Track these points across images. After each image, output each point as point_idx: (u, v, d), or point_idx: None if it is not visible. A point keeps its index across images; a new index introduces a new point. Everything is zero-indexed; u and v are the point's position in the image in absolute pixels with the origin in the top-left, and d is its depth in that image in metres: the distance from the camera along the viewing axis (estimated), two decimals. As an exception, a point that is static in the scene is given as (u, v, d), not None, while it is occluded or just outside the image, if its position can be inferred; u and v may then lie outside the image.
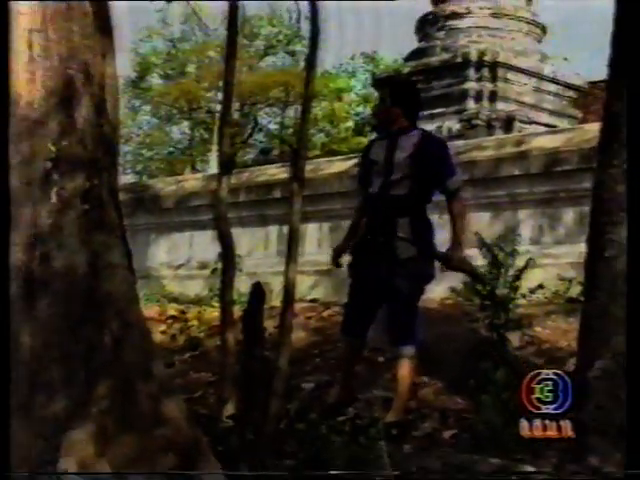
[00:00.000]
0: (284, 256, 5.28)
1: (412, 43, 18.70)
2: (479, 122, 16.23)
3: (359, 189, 7.37)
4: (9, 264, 3.75)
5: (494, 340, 8.19)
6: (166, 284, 14.32)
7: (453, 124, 16.38)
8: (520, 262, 9.01)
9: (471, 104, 16.55)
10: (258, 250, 13.20)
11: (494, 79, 16.66)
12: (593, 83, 17.16)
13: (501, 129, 15.99)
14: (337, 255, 7.30)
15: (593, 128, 8.51)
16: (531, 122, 16.37)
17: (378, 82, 8.69)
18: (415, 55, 18.03)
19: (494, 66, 16.61)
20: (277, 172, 13.89)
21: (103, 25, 4.11)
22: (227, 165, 5.64)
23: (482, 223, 11.05)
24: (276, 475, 3.86)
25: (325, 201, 12.15)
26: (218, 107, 28.35)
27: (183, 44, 36.25)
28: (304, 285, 8.39)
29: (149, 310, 10.01)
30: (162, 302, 12.56)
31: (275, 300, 5.24)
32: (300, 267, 5.21)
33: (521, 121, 16.34)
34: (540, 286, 9.63)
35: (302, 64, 27.57)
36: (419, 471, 5.53)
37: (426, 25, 18.25)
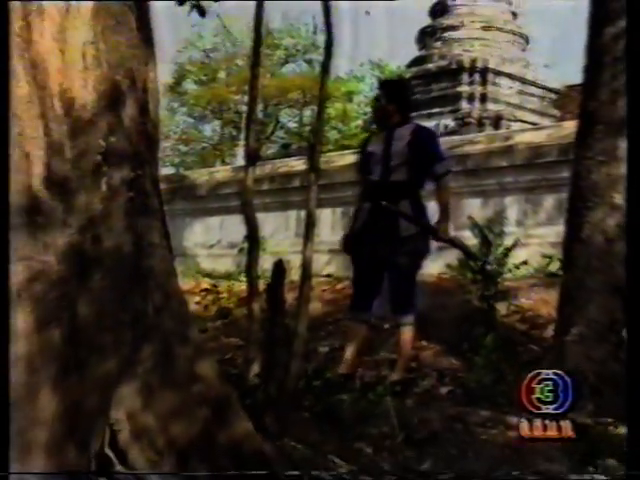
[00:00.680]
0: (302, 237, 5.27)
1: (413, 52, 18.69)
2: (471, 120, 16.22)
3: (360, 178, 7.37)
4: (9, 265, 3.74)
5: (484, 309, 8.22)
6: (200, 261, 14.34)
7: (449, 122, 16.37)
8: (507, 242, 9.05)
9: (464, 104, 16.55)
10: (279, 232, 13.20)
11: (484, 83, 16.65)
12: (570, 86, 17.08)
13: (490, 126, 15.98)
14: (347, 242, 7.26)
15: (570, 125, 8.50)
16: (516, 120, 16.34)
17: (379, 84, 8.66)
18: (415, 62, 18.03)
19: (484, 72, 16.62)
20: (296, 164, 13.88)
21: (146, 38, 4.11)
22: (252, 158, 5.64)
23: (474, 208, 11.05)
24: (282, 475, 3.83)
25: (338, 189, 12.12)
26: (244, 108, 28.25)
27: (215, 54, 36.16)
28: (319, 262, 8.39)
29: (185, 284, 10.02)
30: (196, 277, 12.58)
31: (294, 275, 5.23)
32: (316, 247, 5.20)
33: (508, 119, 16.33)
34: (524, 262, 9.63)
35: (317, 70, 27.43)
36: (421, 423, 5.53)
37: (425, 36, 18.27)
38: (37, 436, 3.68)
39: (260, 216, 5.54)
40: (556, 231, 8.92)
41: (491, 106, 16.47)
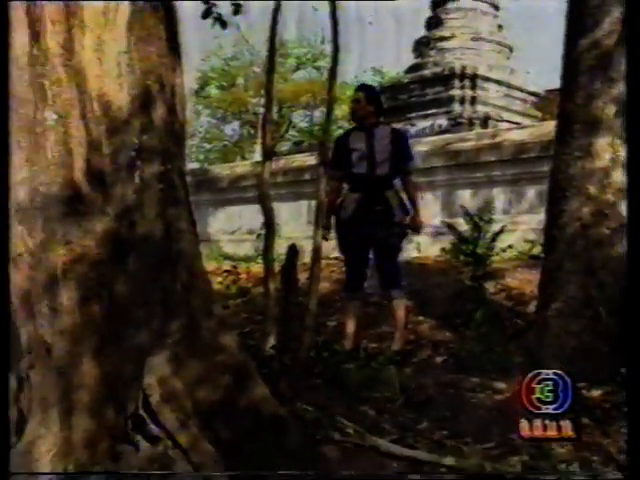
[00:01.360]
0: (313, 224, 5.29)
1: (410, 59, 18.66)
2: (463, 120, 16.19)
3: (335, 172, 6.98)
4: (8, 263, 3.76)
5: (475, 288, 8.22)
6: (222, 246, 14.34)
7: (443, 122, 16.33)
8: (495, 228, 9.03)
9: (456, 106, 16.50)
10: (293, 220, 13.19)
11: (474, 87, 16.60)
12: (549, 90, 17.02)
13: (479, 126, 15.93)
14: (327, 231, 7.11)
15: (550, 125, 8.48)
16: (503, 120, 16.29)
17: (358, 87, 8.58)
18: (412, 69, 17.99)
19: (474, 77, 16.58)
20: (307, 159, 13.87)
21: (174, 48, 4.12)
22: (268, 154, 5.65)
23: (465, 198, 11.08)
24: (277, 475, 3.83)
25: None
26: (261, 110, 28.27)
27: (234, 62, 36.09)
28: (328, 246, 8.39)
29: (209, 265, 10.02)
30: (219, 260, 12.59)
31: (306, 258, 5.24)
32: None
33: (495, 119, 16.27)
34: (510, 246, 9.66)
35: (325, 76, 27.38)
36: (418, 389, 5.54)
37: (421, 46, 18.22)
38: (80, 399, 3.71)
39: (275, 205, 5.55)
40: (538, 219, 8.91)
41: (480, 108, 16.43)
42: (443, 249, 9.52)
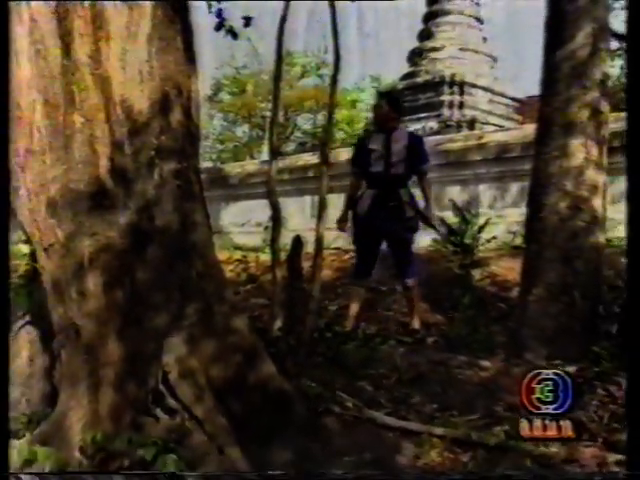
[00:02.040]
0: (315, 217, 5.28)
1: (404, 68, 18.65)
2: (451, 123, 16.18)
3: (354, 170, 7.27)
4: (8, 263, 3.76)
5: (463, 275, 8.24)
6: (233, 237, 14.32)
7: (433, 124, 16.31)
8: (481, 221, 9.03)
9: (446, 111, 16.49)
10: (297, 213, 13.17)
11: (462, 93, 16.59)
12: (530, 96, 16.99)
13: (467, 128, 15.92)
14: (344, 223, 7.25)
15: (531, 128, 8.46)
16: (488, 123, 16.28)
17: (381, 94, 8.59)
18: (407, 76, 17.97)
19: (462, 84, 16.57)
20: (310, 158, 13.83)
21: (190, 57, 4.12)
22: (275, 154, 5.65)
23: (454, 193, 11.06)
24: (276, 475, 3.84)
25: (344, 178, 12.11)
26: (269, 114, 28.23)
27: (245, 70, 36.02)
28: (329, 238, 8.38)
29: (221, 255, 10.02)
30: (230, 250, 12.57)
31: (309, 248, 5.25)
32: (327, 225, 5.20)
33: (481, 122, 16.26)
34: (494, 237, 9.65)
35: (327, 83, 27.34)
36: (411, 367, 5.55)
37: (414, 55, 18.23)
38: (106, 375, 3.73)
39: (282, 200, 5.55)
40: (520, 212, 8.89)
41: (467, 112, 16.41)
42: (434, 240, 9.53)
